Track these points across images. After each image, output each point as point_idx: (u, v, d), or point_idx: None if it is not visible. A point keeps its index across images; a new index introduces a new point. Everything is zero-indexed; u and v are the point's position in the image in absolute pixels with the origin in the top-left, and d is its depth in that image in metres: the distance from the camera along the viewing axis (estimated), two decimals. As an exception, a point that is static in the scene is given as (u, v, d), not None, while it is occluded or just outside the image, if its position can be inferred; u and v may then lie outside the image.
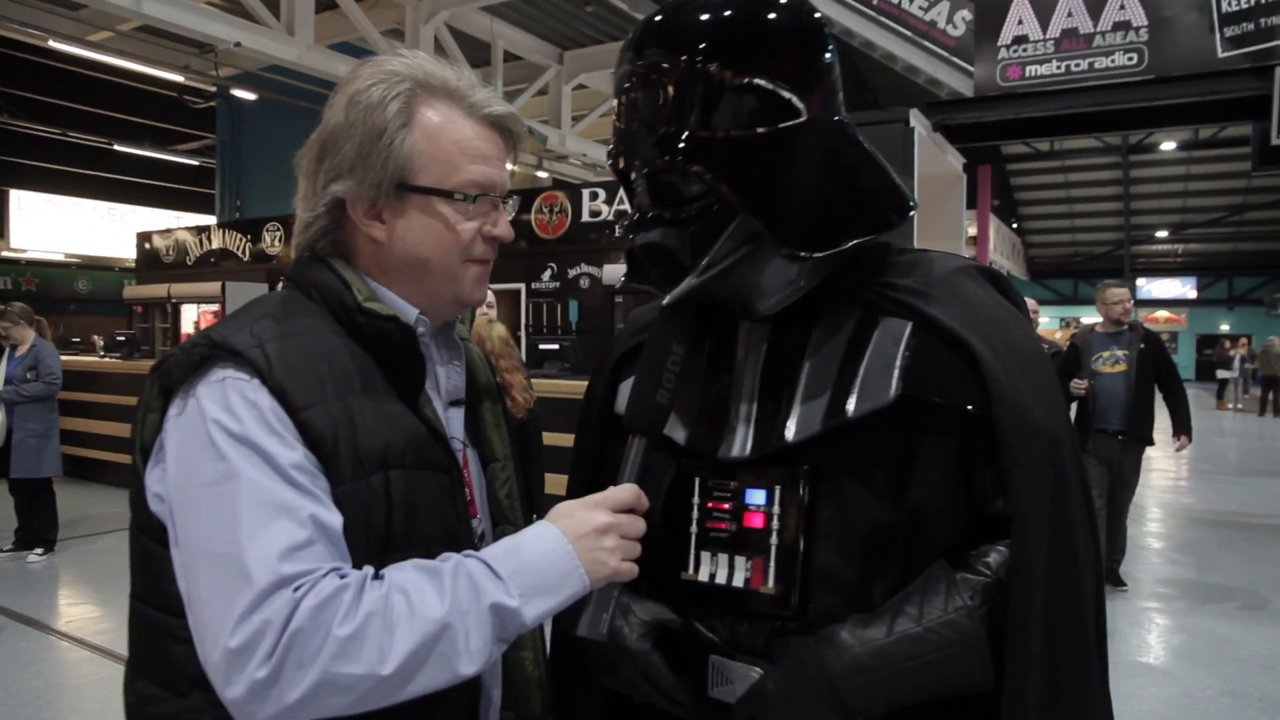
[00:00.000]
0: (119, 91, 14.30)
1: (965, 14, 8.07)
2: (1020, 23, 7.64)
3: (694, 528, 1.06)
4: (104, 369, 9.06)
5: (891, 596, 0.98)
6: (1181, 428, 5.45)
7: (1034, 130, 8.31)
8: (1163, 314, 31.33)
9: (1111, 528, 5.31)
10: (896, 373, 0.99)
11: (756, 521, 1.02)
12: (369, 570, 0.84)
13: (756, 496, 1.03)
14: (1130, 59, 7.27)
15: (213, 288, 11.24)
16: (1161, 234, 26.96)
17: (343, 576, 0.82)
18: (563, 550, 0.88)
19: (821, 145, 1.01)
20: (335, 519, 0.85)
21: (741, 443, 1.06)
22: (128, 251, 15.83)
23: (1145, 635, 4.73)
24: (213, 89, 10.92)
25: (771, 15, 0.99)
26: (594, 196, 8.61)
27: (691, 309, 1.05)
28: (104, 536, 6.68)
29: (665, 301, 1.03)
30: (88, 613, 5.05)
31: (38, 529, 6.17)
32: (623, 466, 1.00)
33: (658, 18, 1.01)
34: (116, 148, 15.62)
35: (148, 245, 13.09)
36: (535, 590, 0.86)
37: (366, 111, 0.96)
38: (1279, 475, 10.69)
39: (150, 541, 0.90)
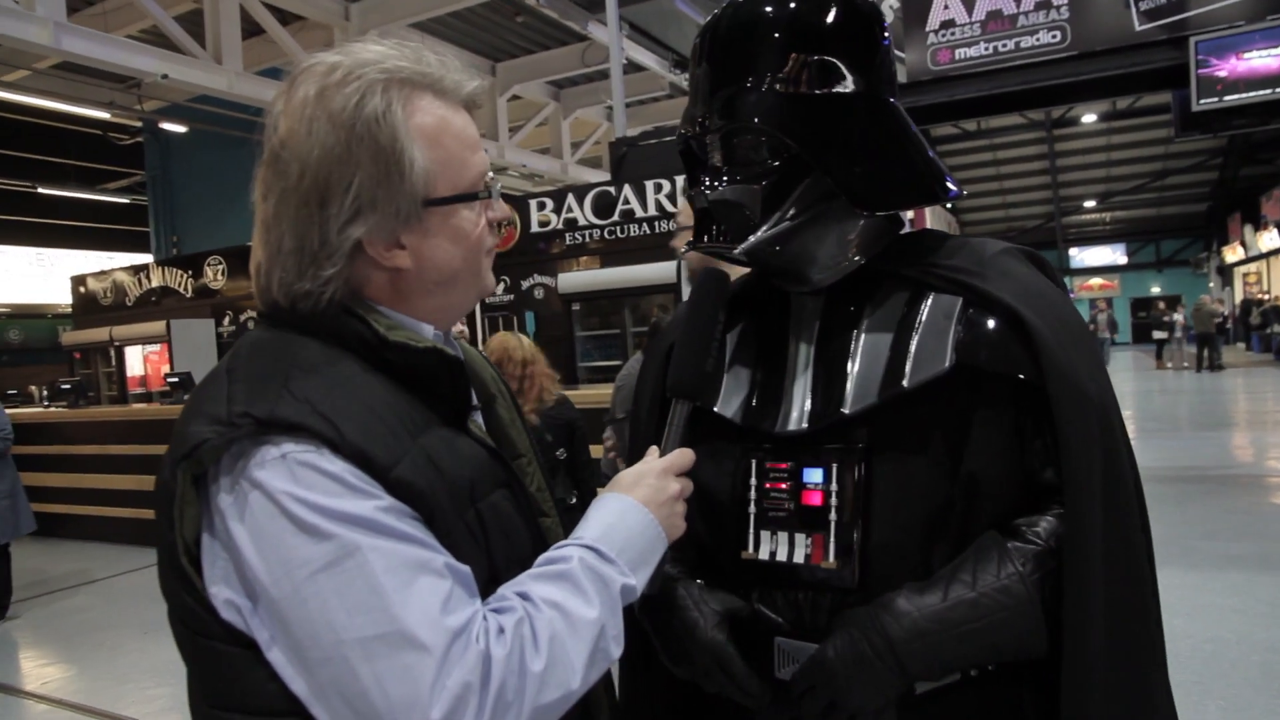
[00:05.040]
0: (39, 132, 13.87)
1: (893, 1, 8.24)
2: (946, 7, 7.83)
3: (752, 508, 1.08)
4: (53, 419, 8.74)
5: None
6: None
7: (967, 111, 8.51)
8: (1097, 281, 32.31)
9: None
10: (950, 344, 1.02)
11: (815, 499, 1.05)
12: (513, 595, 0.82)
13: (814, 475, 1.05)
14: (1054, 36, 7.50)
15: (157, 327, 10.98)
16: (1090, 204, 27.75)
17: (499, 611, 0.80)
18: (648, 520, 0.92)
19: (879, 117, 1.07)
20: (458, 562, 0.81)
21: (798, 418, 1.08)
22: (61, 297, 15.37)
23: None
24: (138, 124, 10.62)
25: (836, 2, 1.07)
26: (541, 206, 8.60)
27: (727, 290, 1.08)
28: (66, 594, 6.47)
29: (738, 250, 1.07)
30: (61, 672, 4.88)
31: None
32: (666, 430, 1.02)
33: (734, 6, 1.08)
34: (40, 190, 15.15)
35: (83, 289, 12.73)
36: (637, 563, 0.89)
37: (367, 130, 0.84)
38: (1223, 428, 11.08)
39: (224, 645, 0.80)
